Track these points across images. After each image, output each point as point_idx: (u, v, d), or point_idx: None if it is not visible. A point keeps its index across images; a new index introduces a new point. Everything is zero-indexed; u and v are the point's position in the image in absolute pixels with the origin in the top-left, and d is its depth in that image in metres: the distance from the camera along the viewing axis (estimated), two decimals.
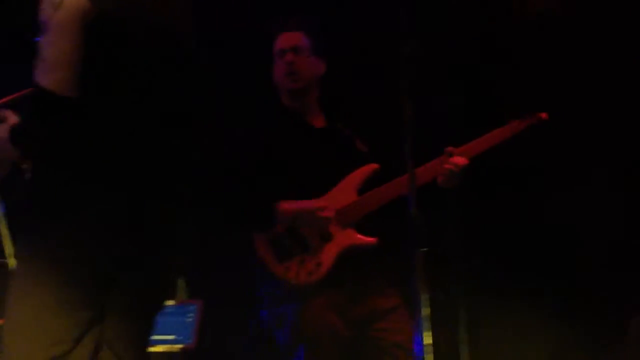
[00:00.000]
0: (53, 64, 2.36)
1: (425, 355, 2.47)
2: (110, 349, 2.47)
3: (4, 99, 2.88)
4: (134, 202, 2.47)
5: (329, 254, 3.58)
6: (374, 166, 3.75)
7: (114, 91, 2.45)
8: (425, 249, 2.72)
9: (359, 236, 3.62)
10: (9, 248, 3.99)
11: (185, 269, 4.88)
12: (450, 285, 4.42)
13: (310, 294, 3.54)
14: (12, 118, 2.52)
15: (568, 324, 4.70)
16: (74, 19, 2.33)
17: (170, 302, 4.82)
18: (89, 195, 2.40)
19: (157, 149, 2.54)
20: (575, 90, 5.02)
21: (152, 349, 4.64)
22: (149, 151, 2.52)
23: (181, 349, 4.54)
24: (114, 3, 2.41)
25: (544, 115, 3.62)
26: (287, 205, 3.49)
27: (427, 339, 2.48)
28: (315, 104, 3.94)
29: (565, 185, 5.13)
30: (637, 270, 5.06)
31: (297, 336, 3.59)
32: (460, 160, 3.56)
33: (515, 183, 4.40)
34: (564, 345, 4.68)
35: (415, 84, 2.95)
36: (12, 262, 3.77)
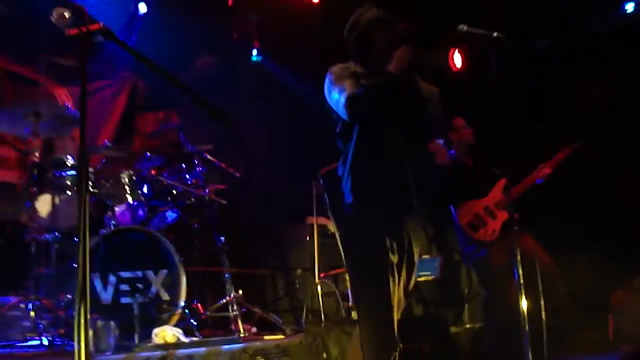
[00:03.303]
0: None
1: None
2: None
3: None
4: None
5: (497, 225, 6.83)
6: (505, 180, 6.88)
7: None
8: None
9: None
10: None
11: None
12: None
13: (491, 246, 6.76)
14: None
15: (608, 257, 7.51)
16: None
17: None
18: None
19: None
20: None
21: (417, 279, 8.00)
22: None
23: (434, 278, 8.15)
24: None
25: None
26: None
27: None
28: None
29: None
30: None
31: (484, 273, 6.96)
32: (549, 170, 6.90)
33: None
34: (605, 273, 7.56)
35: None
36: None
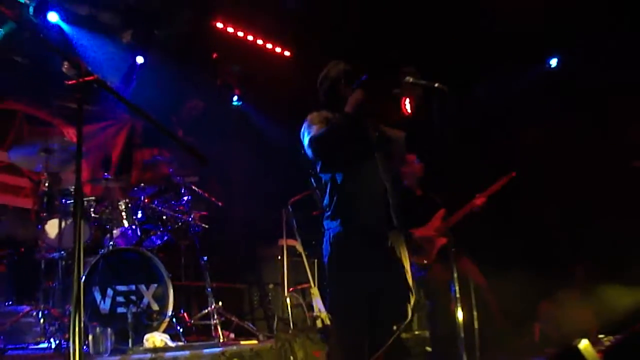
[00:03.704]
0: None
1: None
2: None
3: None
4: None
5: (434, 250, 6.83)
6: (444, 210, 6.91)
7: None
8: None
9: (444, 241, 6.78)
10: None
11: None
12: None
13: (431, 266, 6.81)
14: None
15: (534, 274, 7.45)
16: None
17: None
18: None
19: None
20: None
21: None
22: None
23: None
24: None
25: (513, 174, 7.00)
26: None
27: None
28: None
29: None
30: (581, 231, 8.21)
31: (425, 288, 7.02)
32: (484, 200, 6.85)
33: None
34: (531, 287, 7.51)
35: None
36: None
